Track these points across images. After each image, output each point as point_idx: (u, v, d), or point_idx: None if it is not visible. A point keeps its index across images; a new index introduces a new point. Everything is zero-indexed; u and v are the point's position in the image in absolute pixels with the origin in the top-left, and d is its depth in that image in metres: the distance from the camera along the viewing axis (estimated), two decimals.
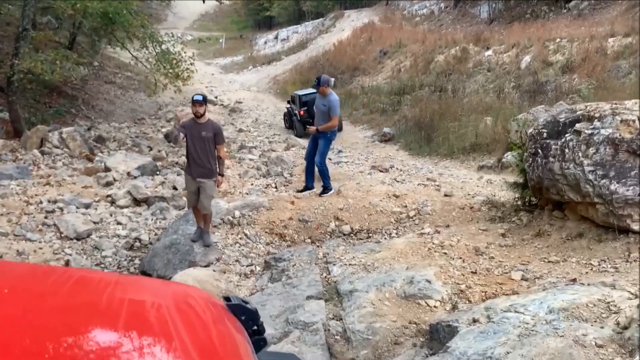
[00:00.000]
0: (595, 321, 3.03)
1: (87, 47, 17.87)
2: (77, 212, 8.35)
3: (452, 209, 6.81)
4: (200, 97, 6.10)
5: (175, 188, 9.63)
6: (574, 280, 3.88)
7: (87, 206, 8.64)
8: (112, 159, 11.21)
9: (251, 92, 24.87)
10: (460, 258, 4.86)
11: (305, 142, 11.18)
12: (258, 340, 1.34)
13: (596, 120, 4.78)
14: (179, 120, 6.12)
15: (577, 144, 4.76)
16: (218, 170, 6.27)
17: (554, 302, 3.28)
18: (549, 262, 4.51)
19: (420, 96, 16.35)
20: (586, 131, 4.75)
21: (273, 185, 9.84)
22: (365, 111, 17.87)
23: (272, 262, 5.64)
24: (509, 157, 8.78)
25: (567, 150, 4.84)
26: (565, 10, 20.96)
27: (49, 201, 8.63)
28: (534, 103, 12.23)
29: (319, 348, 3.57)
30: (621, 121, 4.58)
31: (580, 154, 4.70)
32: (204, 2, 46.55)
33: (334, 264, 5.21)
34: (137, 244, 7.51)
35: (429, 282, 4.25)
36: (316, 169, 7.85)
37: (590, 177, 4.59)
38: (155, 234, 7.75)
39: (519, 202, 6.09)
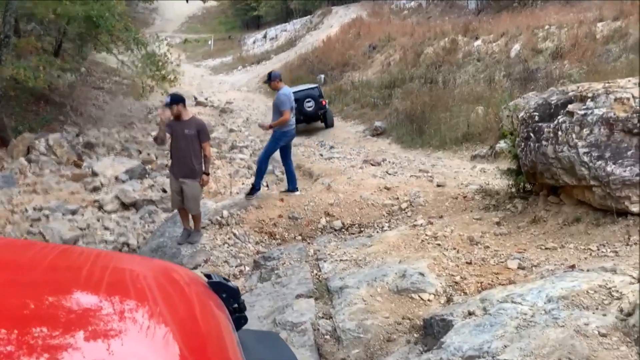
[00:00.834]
0: (597, 309, 2.85)
1: (73, 54, 17.61)
2: (63, 218, 8.17)
3: (445, 199, 6.64)
4: (168, 99, 5.99)
5: (164, 191, 9.47)
6: (573, 266, 3.72)
7: (74, 212, 8.47)
8: (99, 164, 11.02)
9: (241, 92, 24.66)
10: (455, 249, 4.68)
11: (297, 140, 10.98)
12: (239, 317, 1.34)
13: (589, 100, 4.61)
14: (162, 122, 6.00)
15: (570, 126, 4.59)
16: (204, 169, 6.10)
17: (552, 290, 3.10)
18: (546, 249, 4.34)
19: (411, 89, 16.19)
20: (579, 112, 4.58)
21: (264, 183, 9.66)
22: (356, 106, 17.72)
23: (261, 261, 5.46)
24: (502, 144, 8.62)
25: (560, 132, 4.66)
26: None
27: (34, 209, 8.46)
28: (525, 90, 12.09)
29: (307, 349, 3.39)
30: (615, 100, 4.42)
31: (574, 136, 4.53)
32: (187, 1, 46.23)
33: (325, 261, 5.03)
34: (125, 248, 7.34)
35: (422, 274, 4.07)
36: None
37: (585, 159, 4.42)
38: (144, 238, 7.58)
39: (513, 189, 5.91)
